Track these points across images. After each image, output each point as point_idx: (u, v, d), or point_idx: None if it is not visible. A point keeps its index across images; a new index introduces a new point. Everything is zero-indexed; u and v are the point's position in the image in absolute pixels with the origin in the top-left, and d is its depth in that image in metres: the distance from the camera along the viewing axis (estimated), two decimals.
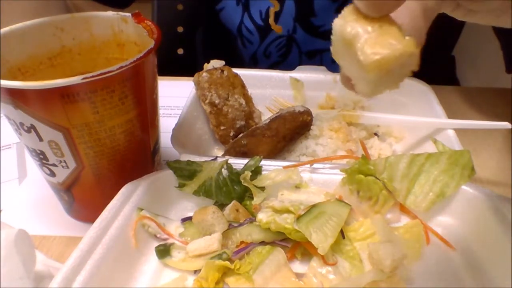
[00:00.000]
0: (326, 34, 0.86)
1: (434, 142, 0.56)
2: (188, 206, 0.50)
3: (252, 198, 0.49)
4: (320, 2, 0.82)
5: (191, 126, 0.62)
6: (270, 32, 0.88)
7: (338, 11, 0.82)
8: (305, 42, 0.87)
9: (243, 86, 0.66)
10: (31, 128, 0.43)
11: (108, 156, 0.47)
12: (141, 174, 0.49)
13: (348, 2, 0.84)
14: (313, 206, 0.44)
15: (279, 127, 0.58)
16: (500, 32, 0.75)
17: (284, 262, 0.43)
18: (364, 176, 0.47)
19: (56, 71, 0.53)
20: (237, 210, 0.48)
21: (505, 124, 0.56)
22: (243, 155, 0.57)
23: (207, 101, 0.62)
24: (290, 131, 0.59)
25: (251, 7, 0.87)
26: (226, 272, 0.43)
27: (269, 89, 0.71)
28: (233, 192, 0.49)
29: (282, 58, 0.90)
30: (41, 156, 0.46)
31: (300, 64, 0.89)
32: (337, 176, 0.49)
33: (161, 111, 0.55)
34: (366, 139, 0.63)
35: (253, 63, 0.93)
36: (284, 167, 0.50)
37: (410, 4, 0.44)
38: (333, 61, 0.86)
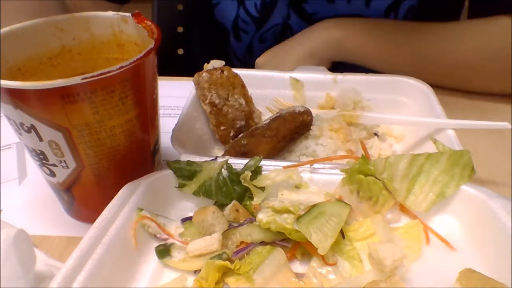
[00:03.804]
0: (320, 21, 0.86)
1: (434, 142, 0.56)
2: (188, 206, 0.50)
3: (252, 198, 0.49)
4: None
5: (191, 126, 0.62)
6: (267, 22, 0.88)
7: (329, 0, 0.82)
8: (300, 29, 0.87)
9: (243, 86, 0.66)
10: (31, 128, 0.43)
11: (108, 156, 0.47)
12: (141, 174, 0.49)
13: None
14: (313, 206, 0.44)
15: (279, 127, 0.58)
16: None
17: (284, 262, 0.43)
18: (364, 176, 0.47)
19: (56, 71, 0.53)
20: (237, 210, 0.48)
21: (505, 124, 0.56)
22: (243, 155, 0.57)
23: (207, 101, 0.62)
24: (290, 131, 0.59)
25: (245, 0, 0.87)
26: (226, 272, 0.43)
27: (269, 89, 0.71)
28: (233, 192, 0.49)
29: (277, 43, 0.90)
30: (41, 156, 0.46)
31: None
32: (337, 176, 0.49)
33: (161, 111, 0.55)
34: (366, 139, 0.63)
35: (248, 54, 0.93)
36: (284, 167, 0.50)
37: None
38: None
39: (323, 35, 0.77)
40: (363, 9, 0.83)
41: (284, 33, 0.89)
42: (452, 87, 0.76)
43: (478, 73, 0.74)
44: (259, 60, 0.85)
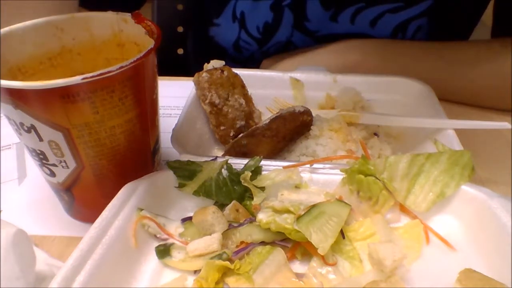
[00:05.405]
0: (323, 39, 0.85)
1: (434, 142, 0.56)
2: (188, 206, 0.50)
3: (252, 198, 0.49)
4: (313, 8, 0.82)
5: (191, 126, 0.62)
6: (269, 41, 0.88)
7: (332, 19, 0.82)
8: (304, 44, 0.87)
9: (243, 86, 0.66)
10: (31, 128, 0.43)
11: (108, 156, 0.47)
12: (141, 174, 0.49)
13: (341, 10, 0.86)
14: (313, 206, 0.44)
15: (279, 127, 0.58)
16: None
17: (284, 262, 0.43)
18: (364, 176, 0.47)
19: (56, 71, 0.53)
20: (237, 210, 0.48)
21: (505, 124, 0.56)
22: (243, 155, 0.57)
23: (207, 101, 0.62)
24: (290, 131, 0.59)
25: (247, 23, 0.86)
26: (226, 272, 0.43)
27: (269, 89, 0.71)
28: (233, 192, 0.49)
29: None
30: (41, 156, 0.46)
31: None
32: (337, 176, 0.49)
33: (161, 111, 0.55)
34: (366, 139, 0.63)
35: (251, 63, 0.93)
36: (284, 167, 0.50)
37: None
38: None
39: (338, 60, 0.77)
40: (368, 29, 0.82)
41: (287, 47, 0.89)
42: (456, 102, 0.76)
43: (486, 95, 0.74)
44: (266, 61, 0.84)
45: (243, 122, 0.63)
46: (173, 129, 0.57)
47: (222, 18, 0.88)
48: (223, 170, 0.49)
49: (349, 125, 0.63)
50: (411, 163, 0.48)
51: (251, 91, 0.68)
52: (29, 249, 0.41)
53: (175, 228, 0.47)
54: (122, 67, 0.42)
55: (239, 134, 0.61)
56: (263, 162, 0.50)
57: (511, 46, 0.72)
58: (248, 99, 0.66)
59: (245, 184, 0.49)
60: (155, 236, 0.46)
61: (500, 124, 0.56)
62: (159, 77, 0.51)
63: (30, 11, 0.60)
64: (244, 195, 0.50)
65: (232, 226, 0.46)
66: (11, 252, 0.38)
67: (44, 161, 0.47)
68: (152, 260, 0.45)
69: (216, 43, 0.91)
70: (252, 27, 0.86)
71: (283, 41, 0.88)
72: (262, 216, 0.44)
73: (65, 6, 0.74)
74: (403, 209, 0.48)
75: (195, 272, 0.43)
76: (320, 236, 0.42)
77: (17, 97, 0.41)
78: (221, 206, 0.49)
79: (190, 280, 0.43)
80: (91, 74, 0.40)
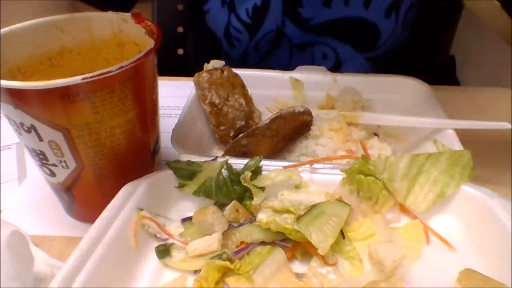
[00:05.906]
0: (316, 28, 0.85)
1: (434, 142, 0.56)
2: (188, 206, 0.50)
3: (252, 198, 0.49)
4: None
5: (191, 126, 0.62)
6: (260, 29, 0.87)
7: (326, 4, 0.82)
8: (296, 36, 0.87)
9: (243, 86, 0.66)
10: (31, 128, 0.43)
11: (108, 156, 0.47)
12: (141, 174, 0.49)
13: None
14: (313, 206, 0.44)
15: (279, 127, 0.58)
16: None
17: (284, 262, 0.43)
18: (364, 176, 0.47)
19: (56, 71, 0.53)
20: (237, 210, 0.48)
21: (505, 124, 0.56)
22: (243, 155, 0.57)
23: (207, 101, 0.62)
24: (290, 131, 0.59)
25: (236, 6, 0.86)
26: (226, 272, 0.43)
27: (269, 89, 0.71)
28: (233, 192, 0.49)
29: (272, 49, 0.90)
30: (41, 156, 0.46)
31: (291, 57, 0.87)
32: (337, 176, 0.49)
33: (161, 111, 0.55)
34: (366, 139, 0.63)
35: (243, 60, 0.92)
36: (284, 167, 0.50)
37: None
38: (324, 56, 0.90)
39: None
40: (362, 11, 0.82)
41: (278, 39, 0.88)
42: None
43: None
44: None
45: (243, 122, 0.63)
46: (173, 129, 0.57)
47: (211, 3, 0.87)
48: (223, 170, 0.49)
49: (349, 125, 0.63)
50: (411, 163, 0.48)
51: (251, 91, 0.68)
52: (26, 250, 0.40)
53: (175, 228, 0.47)
54: (122, 67, 0.42)
55: (239, 134, 0.61)
56: (263, 162, 0.50)
57: None
58: (248, 99, 0.66)
59: (245, 184, 0.49)
60: (155, 236, 0.46)
61: (500, 124, 0.56)
62: (159, 77, 0.52)
63: (30, 11, 0.60)
64: (244, 195, 0.50)
65: (232, 226, 0.46)
66: (6, 252, 0.38)
67: (44, 161, 0.47)
68: (152, 260, 0.45)
69: (213, 35, 0.91)
70: (241, 10, 0.86)
71: (273, 30, 0.87)
72: (262, 216, 0.44)
73: (64, 5, 0.74)
74: (403, 209, 0.48)
75: (195, 272, 0.43)
76: (320, 236, 0.42)
77: (17, 97, 0.41)
78: (221, 206, 0.49)
79: (190, 280, 0.43)
80: (91, 74, 0.40)
